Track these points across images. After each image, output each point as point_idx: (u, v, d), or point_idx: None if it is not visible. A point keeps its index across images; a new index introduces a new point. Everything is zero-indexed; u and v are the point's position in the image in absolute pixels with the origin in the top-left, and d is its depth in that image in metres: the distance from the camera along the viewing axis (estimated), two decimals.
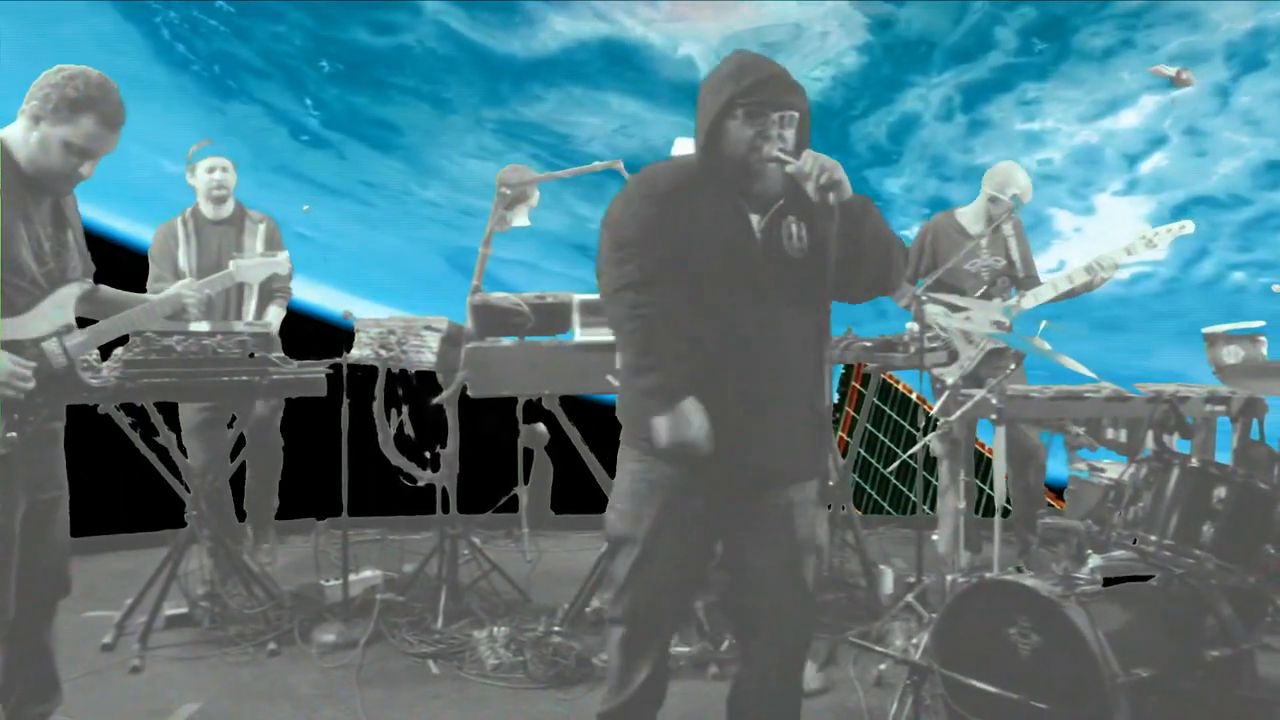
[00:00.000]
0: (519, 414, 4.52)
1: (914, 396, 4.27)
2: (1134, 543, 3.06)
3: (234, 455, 4.71)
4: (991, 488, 3.50)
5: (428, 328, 4.12)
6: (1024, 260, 4.77)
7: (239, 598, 4.19)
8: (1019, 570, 2.98)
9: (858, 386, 6.64)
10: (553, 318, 3.97)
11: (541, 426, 4.60)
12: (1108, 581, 2.88)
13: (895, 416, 6.91)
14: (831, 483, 4.52)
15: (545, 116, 7.62)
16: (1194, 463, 3.07)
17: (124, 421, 3.85)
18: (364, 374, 4.25)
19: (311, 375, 3.99)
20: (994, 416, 3.49)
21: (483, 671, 3.71)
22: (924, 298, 4.07)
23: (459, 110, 7.57)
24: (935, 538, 4.76)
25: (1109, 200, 7.32)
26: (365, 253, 7.41)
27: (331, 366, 4.07)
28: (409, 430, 4.33)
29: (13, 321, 2.62)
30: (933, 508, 4.83)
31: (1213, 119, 7.01)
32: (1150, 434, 3.32)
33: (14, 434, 2.60)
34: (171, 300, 3.08)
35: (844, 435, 6.23)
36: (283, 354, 4.06)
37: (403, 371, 4.25)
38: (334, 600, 4.29)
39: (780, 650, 2.46)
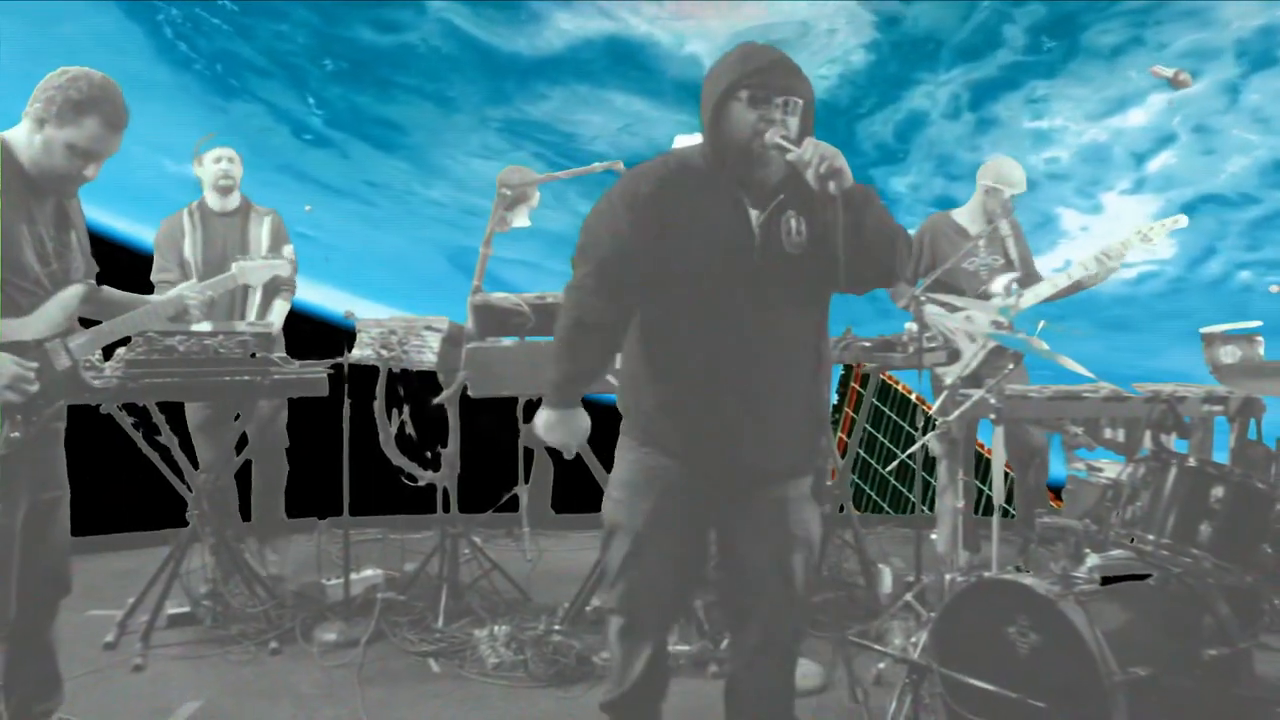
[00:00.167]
0: (519, 414, 4.53)
1: (913, 397, 4.28)
2: (1132, 542, 3.06)
3: (239, 450, 4.73)
4: (991, 488, 3.51)
5: (428, 328, 4.13)
6: (1023, 260, 4.77)
7: (241, 596, 4.21)
8: (1017, 569, 2.98)
9: (857, 387, 6.65)
10: (553, 318, 3.92)
11: None
12: (1106, 581, 2.89)
13: (894, 417, 6.90)
14: (831, 482, 4.53)
15: (549, 115, 7.58)
16: (1191, 462, 3.07)
17: (126, 421, 3.86)
18: (365, 374, 4.26)
19: (313, 375, 4.00)
20: (993, 416, 3.50)
21: (483, 670, 3.72)
22: (923, 298, 4.08)
23: (463, 109, 7.53)
24: (934, 537, 4.77)
25: (1116, 199, 7.27)
26: (368, 252, 7.38)
27: (333, 366, 4.08)
28: (410, 430, 4.34)
29: (16, 322, 2.63)
30: (931, 508, 4.84)
31: (1222, 117, 6.96)
32: (1148, 434, 3.33)
33: (17, 434, 2.62)
34: (174, 301, 3.09)
35: (843, 436, 6.24)
36: (284, 354, 4.08)
37: (404, 371, 4.27)
38: (335, 599, 4.30)
39: (772, 645, 2.46)
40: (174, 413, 4.05)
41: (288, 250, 4.72)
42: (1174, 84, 6.66)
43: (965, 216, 4.84)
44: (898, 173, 7.77)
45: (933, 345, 4.18)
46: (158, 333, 3.60)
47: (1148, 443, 3.36)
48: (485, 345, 3.93)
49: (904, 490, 6.44)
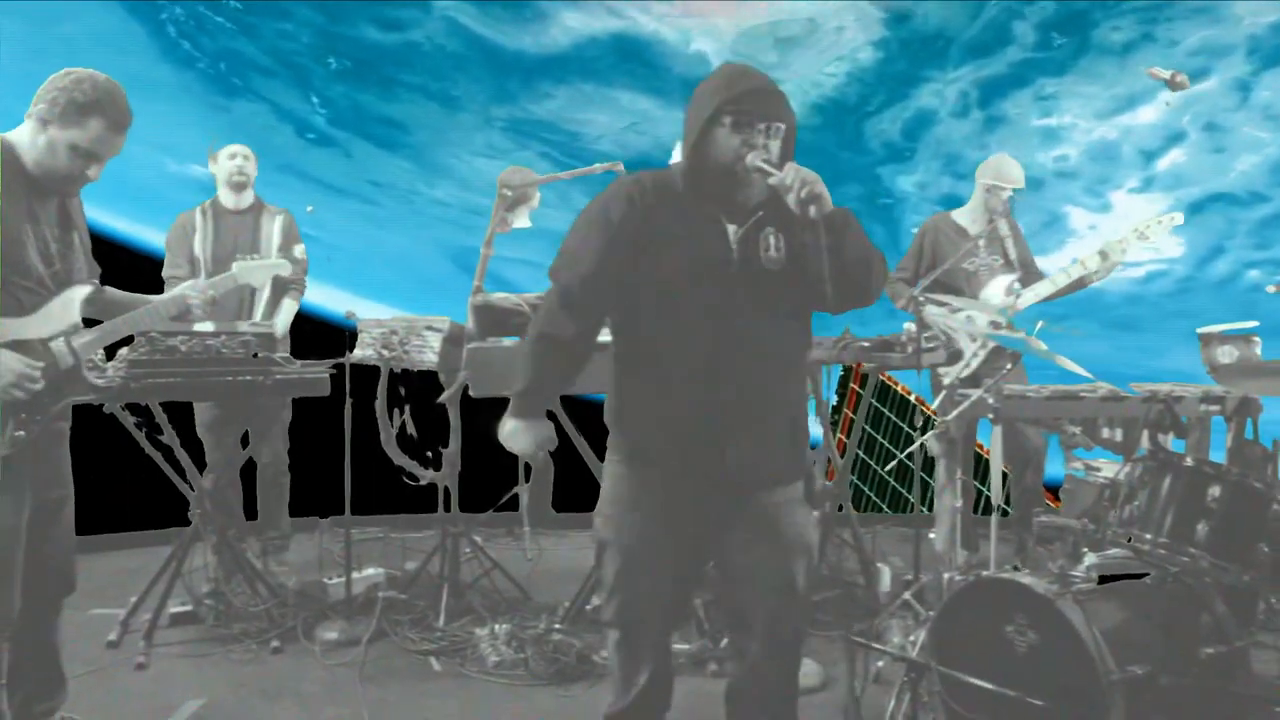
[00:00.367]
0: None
1: (912, 398, 4.29)
2: (1129, 541, 3.08)
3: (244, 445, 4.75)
4: (989, 488, 3.52)
5: (429, 328, 4.15)
6: (1022, 259, 4.78)
7: (243, 595, 4.21)
8: (1015, 568, 3.00)
9: (856, 387, 6.65)
10: None
11: None
12: (1103, 579, 2.89)
13: (894, 418, 6.90)
14: (829, 482, 4.54)
15: (554, 114, 7.55)
16: (1189, 462, 3.09)
17: (129, 421, 3.87)
18: (367, 374, 4.27)
19: (315, 375, 4.02)
20: (991, 416, 3.52)
21: (484, 669, 3.73)
22: (922, 298, 4.09)
23: (467, 108, 7.49)
24: (932, 536, 4.78)
25: (1125, 197, 7.23)
26: (371, 252, 7.36)
27: (334, 366, 4.10)
28: (411, 430, 4.36)
29: (20, 322, 2.64)
30: (930, 507, 4.86)
31: (1232, 114, 6.93)
32: (1146, 433, 3.35)
33: (21, 433, 2.63)
34: (176, 301, 3.11)
35: (842, 437, 6.25)
36: (287, 354, 4.09)
37: (405, 371, 4.28)
38: (337, 598, 4.32)
39: (774, 651, 2.46)
40: (176, 412, 4.06)
41: (298, 250, 4.74)
42: (1171, 85, 6.64)
43: (965, 217, 4.85)
44: (905, 171, 7.74)
45: (931, 345, 4.19)
46: (160, 332, 3.62)
47: (1145, 442, 3.38)
48: (486, 345, 3.94)
49: (903, 491, 6.44)
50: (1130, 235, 4.38)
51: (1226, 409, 3.81)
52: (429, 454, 4.41)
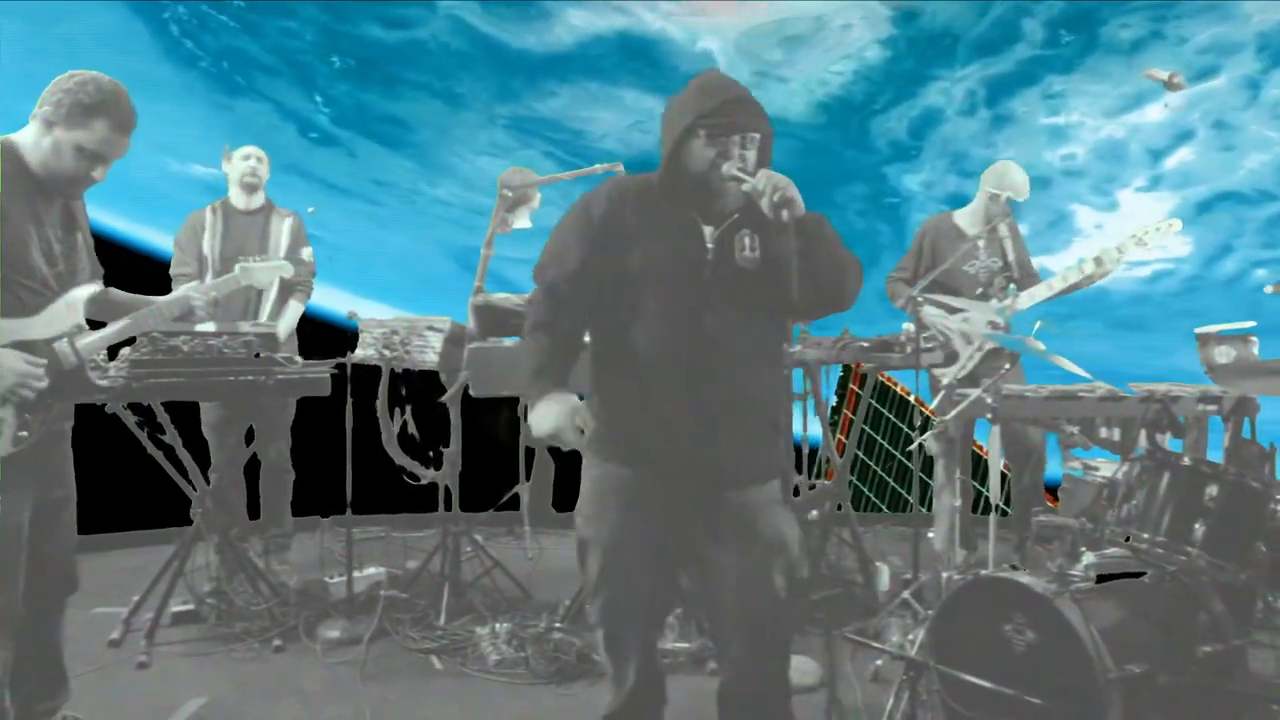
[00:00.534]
0: (521, 413, 4.56)
1: (912, 399, 4.30)
2: (1127, 540, 3.08)
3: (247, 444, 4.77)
4: (988, 487, 3.53)
5: (430, 328, 4.16)
6: (1020, 262, 4.80)
7: (245, 594, 4.23)
8: (1014, 567, 3.01)
9: (855, 388, 6.66)
10: None
11: None
12: (1101, 578, 2.90)
13: (893, 418, 6.90)
14: (829, 482, 4.56)
15: (559, 112, 7.52)
16: (1186, 461, 3.10)
17: (131, 420, 3.89)
18: (368, 374, 4.29)
19: (316, 375, 4.02)
20: (989, 416, 3.53)
21: (485, 667, 3.75)
22: (921, 299, 4.10)
23: (471, 107, 7.46)
24: (931, 535, 4.79)
25: (1132, 196, 7.20)
26: (374, 252, 7.33)
27: (336, 366, 4.11)
28: (412, 429, 4.37)
29: (24, 322, 2.66)
30: (929, 507, 4.87)
31: (1241, 112, 6.89)
32: (1143, 433, 3.36)
33: (25, 433, 2.64)
34: (179, 302, 3.12)
35: (842, 437, 6.26)
36: (289, 355, 4.10)
37: (406, 371, 4.30)
38: (338, 597, 4.33)
39: (755, 650, 2.45)
40: (179, 412, 4.07)
41: (306, 253, 4.76)
42: (1169, 87, 6.62)
43: (966, 218, 4.86)
44: (911, 170, 7.71)
45: (930, 345, 4.21)
46: (162, 333, 3.62)
47: (1143, 442, 3.40)
48: (487, 345, 3.95)
49: (902, 491, 6.44)
50: (1129, 241, 4.39)
51: (1224, 409, 3.82)
52: (430, 453, 4.43)
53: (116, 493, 5.05)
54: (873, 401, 5.33)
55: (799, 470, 4.61)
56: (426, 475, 4.44)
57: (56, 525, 2.84)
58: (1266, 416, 3.79)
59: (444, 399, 4.24)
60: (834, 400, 5.72)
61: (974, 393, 3.62)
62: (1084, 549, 3.19)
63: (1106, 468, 3.74)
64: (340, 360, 4.15)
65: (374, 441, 4.35)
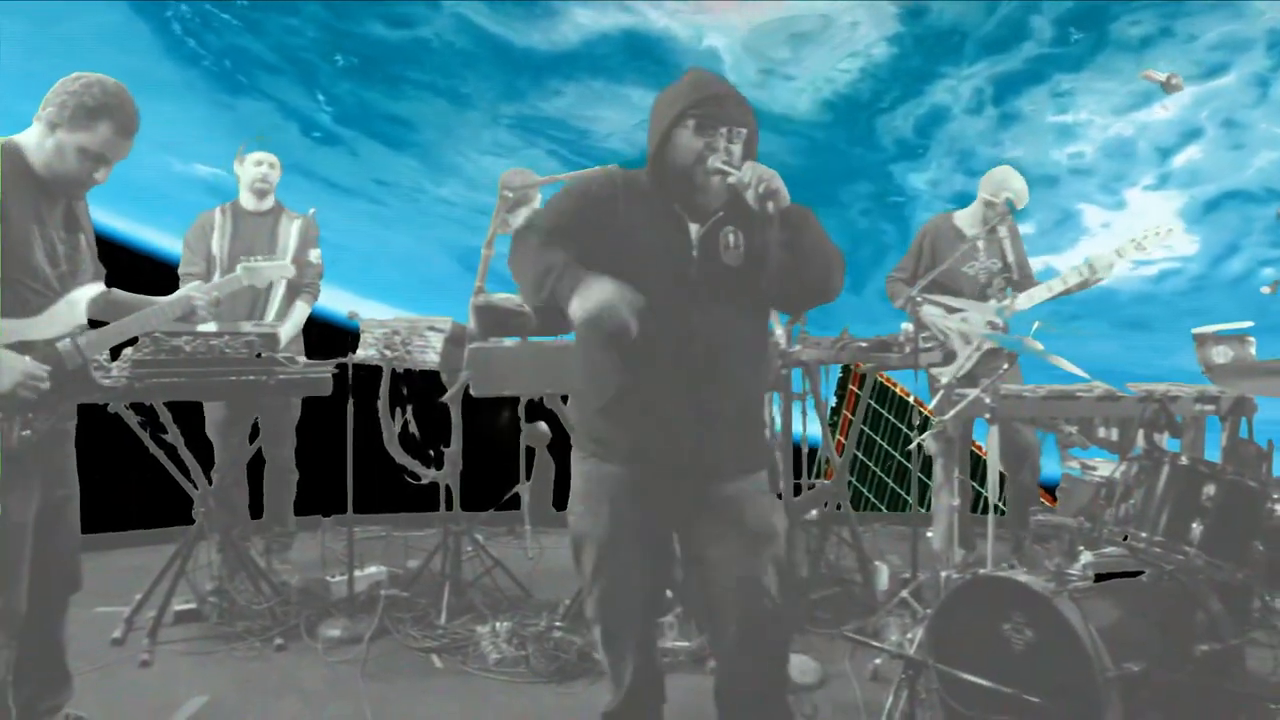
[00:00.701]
0: (521, 413, 4.57)
1: (911, 399, 4.30)
2: (1125, 539, 3.10)
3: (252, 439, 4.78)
4: (986, 487, 3.55)
5: (431, 328, 4.17)
6: (1019, 263, 4.80)
7: (246, 593, 4.25)
8: (1012, 566, 3.02)
9: (855, 389, 6.67)
10: (554, 319, 3.99)
11: (543, 425, 4.66)
12: (1099, 577, 2.91)
13: (892, 419, 6.90)
14: (829, 482, 4.57)
15: (564, 111, 7.50)
16: (1184, 461, 3.11)
17: (133, 420, 3.90)
18: (369, 374, 4.30)
19: (318, 375, 4.04)
20: (988, 415, 3.54)
21: (485, 666, 3.76)
22: (919, 299, 4.11)
23: (476, 106, 7.44)
24: (930, 535, 4.80)
25: (1140, 195, 7.18)
26: (376, 252, 7.30)
27: (337, 366, 4.12)
28: (413, 429, 4.39)
29: (27, 323, 2.67)
30: (928, 507, 4.88)
31: (1251, 110, 6.88)
32: (1141, 433, 3.37)
33: (28, 433, 2.65)
34: (181, 302, 3.13)
35: (841, 438, 6.26)
36: (292, 355, 4.11)
37: (407, 371, 4.31)
38: (339, 596, 4.35)
39: (749, 641, 2.46)
40: (181, 412, 4.09)
41: (314, 254, 4.77)
42: (1166, 88, 6.61)
43: (965, 220, 4.87)
44: (917, 169, 7.68)
45: (928, 345, 4.22)
46: (164, 333, 3.64)
47: (1141, 441, 3.41)
48: (488, 345, 3.96)
49: (901, 492, 6.43)
50: (1128, 245, 4.40)
51: (1221, 408, 3.83)
52: (431, 453, 4.44)
53: (119, 492, 5.07)
54: (872, 402, 5.33)
55: (798, 471, 4.62)
56: (427, 475, 4.45)
57: (60, 524, 2.85)
58: (1264, 416, 3.79)
59: (445, 399, 4.26)
60: (833, 401, 5.72)
61: (972, 393, 3.64)
62: (1082, 548, 3.20)
63: (1104, 467, 3.76)
64: (342, 360, 4.16)
65: (375, 441, 4.37)
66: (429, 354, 4.14)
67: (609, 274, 2.28)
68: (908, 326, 4.08)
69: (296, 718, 3.40)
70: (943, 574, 3.64)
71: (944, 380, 4.01)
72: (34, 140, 2.66)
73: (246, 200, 4.83)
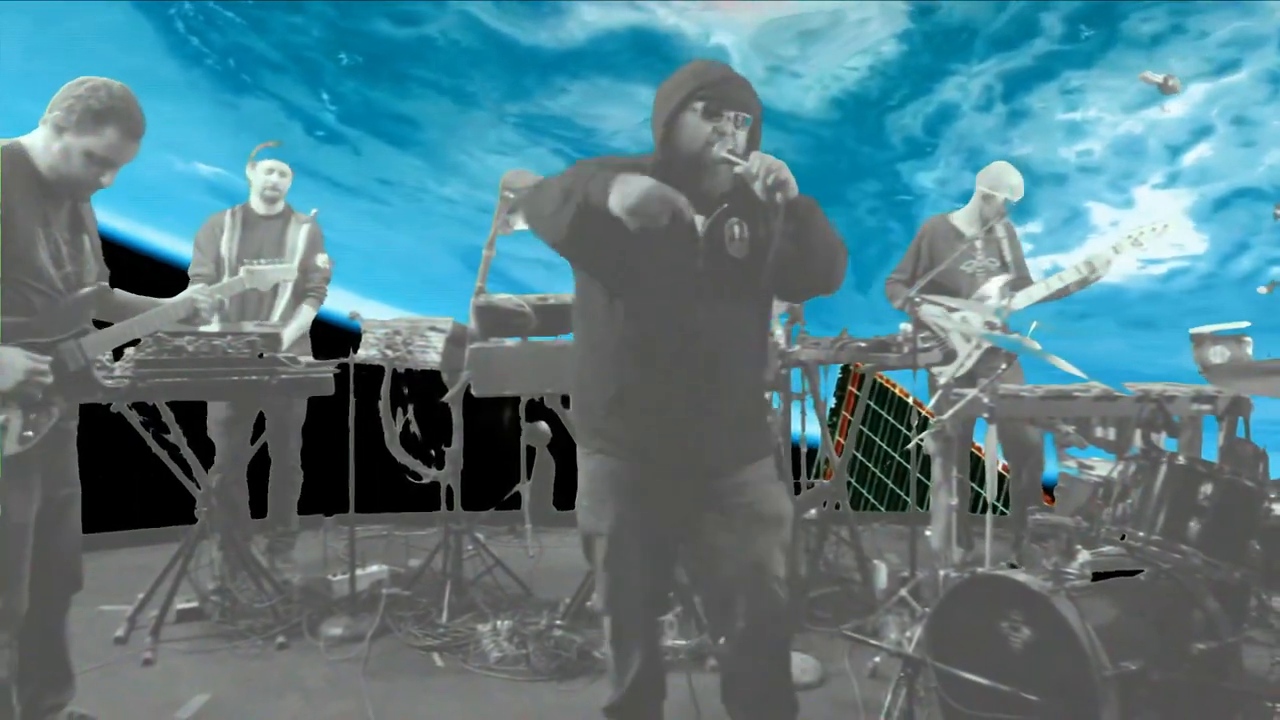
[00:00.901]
0: (522, 413, 4.59)
1: (910, 400, 4.31)
2: (1122, 538, 3.10)
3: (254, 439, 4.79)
4: (985, 486, 3.56)
5: (432, 328, 4.19)
6: (1016, 262, 4.81)
7: (248, 592, 4.27)
8: (1010, 565, 3.03)
9: (855, 390, 6.67)
10: (555, 319, 4.03)
11: (544, 425, 4.67)
12: (1097, 576, 2.91)
13: (891, 420, 6.89)
14: (827, 481, 4.58)
15: (570, 110, 7.44)
16: (1181, 460, 3.11)
17: (136, 420, 3.92)
18: (371, 374, 4.31)
19: (320, 375, 4.06)
20: (986, 415, 3.55)
21: (486, 664, 3.78)
22: (918, 299, 4.12)
23: (481, 104, 7.37)
24: (928, 534, 4.81)
25: (1149, 193, 7.11)
26: (379, 252, 7.25)
27: (339, 366, 4.14)
28: (414, 429, 4.40)
29: (32, 323, 2.69)
30: (926, 506, 4.89)
31: (1263, 107, 6.81)
32: (1138, 432, 3.38)
33: (31, 432, 2.67)
34: (184, 303, 3.14)
35: (840, 439, 6.26)
36: (293, 356, 4.12)
37: (408, 371, 4.32)
38: (341, 595, 4.36)
39: (757, 629, 2.46)
40: (183, 412, 4.10)
41: (321, 259, 4.79)
42: (1164, 89, 6.59)
43: (963, 219, 4.88)
44: (925, 167, 7.62)
45: (927, 345, 4.23)
46: (167, 333, 3.66)
47: (1138, 441, 3.42)
48: (488, 345, 3.97)
49: (900, 493, 6.43)
50: (1124, 241, 4.40)
51: (1218, 408, 3.83)
52: (432, 453, 4.46)
53: (121, 491, 5.08)
54: (871, 403, 5.33)
55: (797, 471, 4.63)
56: (428, 474, 4.47)
57: (62, 523, 2.86)
58: (1260, 416, 3.80)
59: (446, 399, 4.27)
60: (832, 403, 5.73)
61: (971, 392, 3.65)
62: (1080, 547, 3.21)
63: (1102, 467, 3.76)
64: (343, 360, 4.18)
65: (377, 441, 4.38)
66: (430, 354, 4.15)
67: (615, 263, 2.30)
68: (906, 327, 4.09)
69: (298, 716, 3.41)
70: (941, 573, 3.65)
71: (943, 380, 4.03)
72: (40, 143, 2.68)
73: (256, 204, 4.85)
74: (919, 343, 4.06)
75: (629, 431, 2.43)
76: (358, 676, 3.70)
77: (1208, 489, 3.02)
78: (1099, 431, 3.75)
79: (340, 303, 4.97)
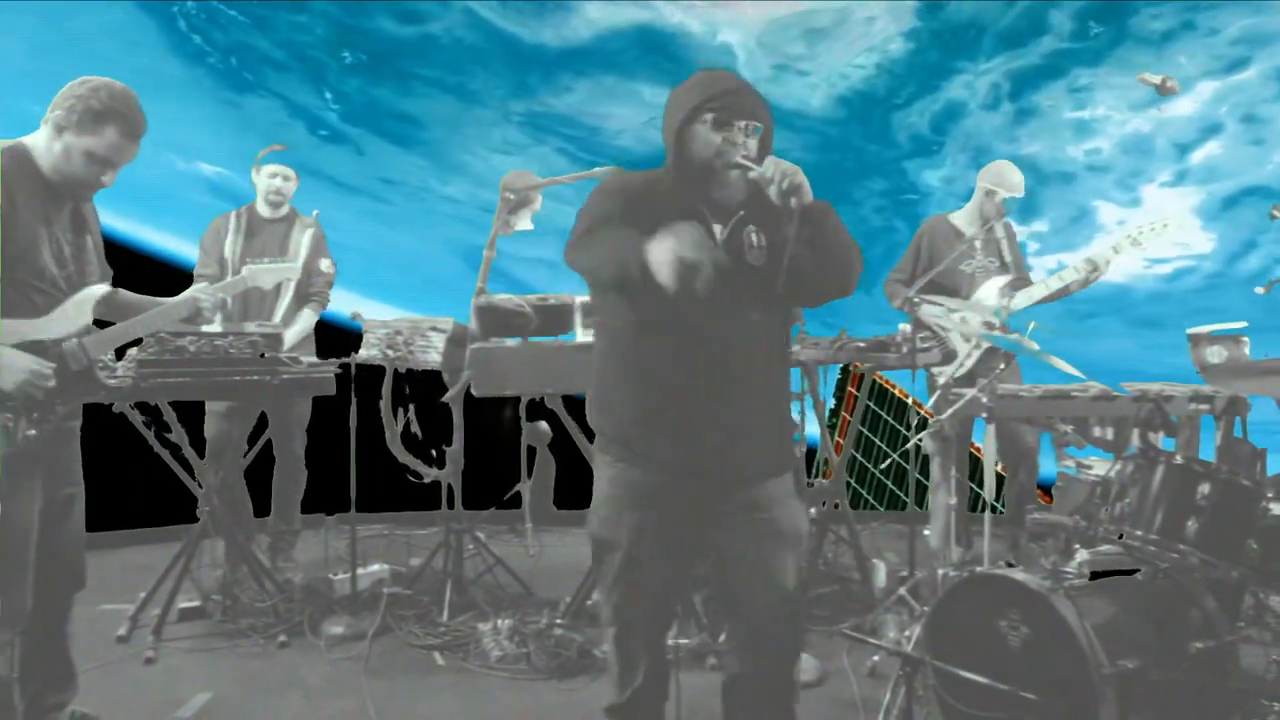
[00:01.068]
0: (522, 413, 4.60)
1: (909, 401, 4.32)
2: (1120, 538, 3.11)
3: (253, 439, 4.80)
4: (983, 487, 3.57)
5: (433, 328, 4.20)
6: (1016, 262, 4.82)
7: (250, 591, 4.28)
8: (1009, 564, 3.04)
9: (854, 390, 6.68)
10: (555, 319, 4.04)
11: (544, 424, 4.69)
12: (1095, 575, 2.92)
13: (891, 420, 6.88)
14: (826, 481, 4.59)
15: (574, 108, 7.38)
16: (1178, 460, 3.12)
17: (138, 420, 3.93)
18: (372, 374, 4.33)
19: (321, 375, 4.07)
20: (985, 415, 3.56)
21: (487, 663, 3.79)
22: (917, 299, 4.13)
23: (485, 103, 7.32)
24: (927, 533, 4.82)
25: (1156, 191, 7.07)
26: (380, 252, 7.20)
27: (340, 366, 4.15)
28: (415, 428, 4.41)
29: (34, 323, 2.69)
30: (925, 506, 4.90)
31: (1272, 105, 6.77)
32: (1136, 432, 3.39)
33: (34, 432, 2.67)
34: (186, 303, 3.15)
35: (840, 439, 6.27)
36: (294, 355, 4.14)
37: (409, 371, 4.33)
38: (342, 593, 4.37)
39: (766, 641, 2.47)
40: (185, 411, 4.11)
41: (325, 263, 4.80)
42: (1161, 91, 6.58)
43: (963, 219, 4.88)
44: (931, 165, 7.56)
45: (926, 345, 4.24)
46: (169, 333, 3.67)
47: (1136, 440, 3.43)
48: (489, 345, 3.98)
49: (899, 492, 6.43)
50: (1124, 241, 4.40)
51: (1215, 408, 3.84)
52: (433, 452, 4.47)
53: (124, 490, 5.09)
54: (870, 404, 5.33)
55: None
56: (429, 474, 4.48)
57: (65, 522, 2.87)
58: (1258, 416, 3.81)
59: (446, 398, 4.28)
60: (832, 404, 5.72)
61: (970, 392, 3.65)
62: (1078, 546, 3.22)
63: (1100, 466, 3.77)
64: (344, 360, 4.19)
65: (378, 440, 4.39)
66: (431, 354, 4.16)
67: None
68: (905, 327, 4.10)
69: (299, 714, 3.42)
70: (940, 572, 3.66)
71: (942, 379, 4.04)
72: (42, 143, 2.69)
73: (261, 207, 4.87)
74: (918, 343, 4.07)
75: (652, 442, 2.40)
76: (359, 675, 3.71)
77: (1205, 488, 3.03)
78: (1097, 431, 3.76)
79: (342, 303, 4.97)
